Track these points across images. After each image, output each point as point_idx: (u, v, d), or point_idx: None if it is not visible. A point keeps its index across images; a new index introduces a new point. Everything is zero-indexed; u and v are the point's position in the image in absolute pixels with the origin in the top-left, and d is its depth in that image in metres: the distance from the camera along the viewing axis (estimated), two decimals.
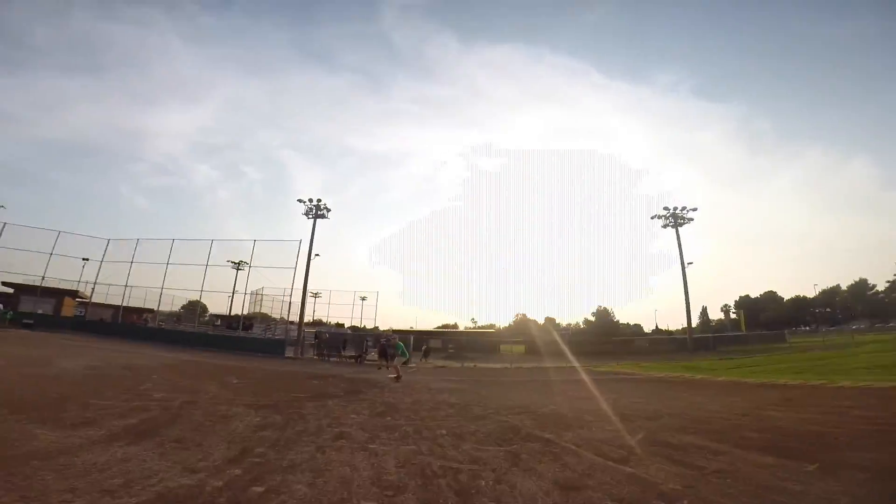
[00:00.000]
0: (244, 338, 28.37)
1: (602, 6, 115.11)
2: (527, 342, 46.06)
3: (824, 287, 73.03)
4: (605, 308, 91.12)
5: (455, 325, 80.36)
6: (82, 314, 32.45)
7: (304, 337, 26.23)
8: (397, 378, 11.57)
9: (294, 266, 27.09)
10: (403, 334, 30.01)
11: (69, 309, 31.82)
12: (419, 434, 5.39)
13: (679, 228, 41.36)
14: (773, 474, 3.36)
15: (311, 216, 41.69)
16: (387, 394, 9.44)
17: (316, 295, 52.67)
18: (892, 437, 4.25)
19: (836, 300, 72.12)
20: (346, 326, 50.25)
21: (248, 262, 29.45)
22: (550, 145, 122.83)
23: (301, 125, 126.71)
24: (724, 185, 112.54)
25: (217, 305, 48.68)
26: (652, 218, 43.13)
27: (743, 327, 60.16)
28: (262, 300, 44.24)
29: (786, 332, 55.80)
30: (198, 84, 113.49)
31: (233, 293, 35.69)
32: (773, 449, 4.08)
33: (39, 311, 28.75)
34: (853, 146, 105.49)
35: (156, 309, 31.66)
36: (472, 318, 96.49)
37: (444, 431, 5.56)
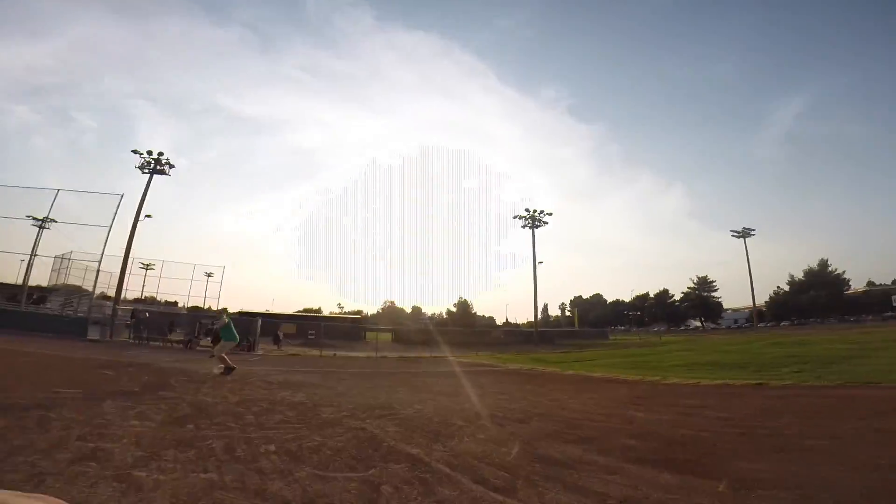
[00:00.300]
0: (33, 314, 21.51)
1: (518, 13, 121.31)
2: (394, 330, 45.46)
3: (638, 293, 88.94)
4: (465, 300, 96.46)
5: (318, 310, 76.03)
6: None
7: (116, 315, 20.90)
8: (226, 370, 9.20)
9: (109, 225, 21.40)
10: (250, 317, 26.36)
11: None
12: (231, 452, 3.75)
13: (535, 230, 45.22)
14: (689, 499, 2.74)
15: (146, 170, 33.96)
16: (206, 390, 7.29)
17: (148, 266, 43.80)
18: (764, 442, 4.18)
19: (646, 305, 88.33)
20: (181, 306, 42.81)
21: (45, 217, 22.14)
22: (433, 137, 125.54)
23: (163, 76, 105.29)
24: (572, 197, 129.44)
25: (9, 272, 36.79)
26: (514, 217, 46.31)
27: (576, 324, 69.65)
28: (70, 268, 34.64)
29: (608, 329, 66.51)
30: (41, 15, 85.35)
31: (31, 256, 27.04)
32: (665, 462, 3.60)
33: None
34: (674, 175, 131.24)
35: None
36: (339, 304, 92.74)
37: (272, 447, 4.01)
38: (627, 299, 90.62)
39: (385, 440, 4.58)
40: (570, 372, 13.50)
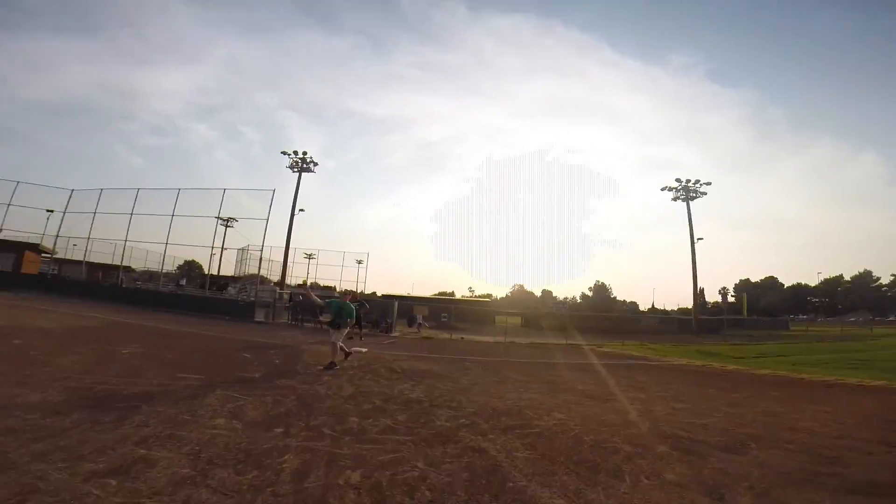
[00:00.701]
0: (216, 299, 25.88)
1: None
2: (524, 314, 43.85)
3: (827, 276, 70.34)
4: (602, 283, 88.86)
5: (451, 294, 78.53)
6: (49, 271, 29.93)
7: (276, 299, 23.68)
8: (345, 355, 8.67)
9: (266, 218, 24.19)
10: (388, 300, 27.53)
11: (33, 265, 29.11)
12: (300, 480, 2.75)
13: (689, 202, 38.16)
14: None
15: (296, 170, 38.45)
16: (326, 378, 6.80)
17: (310, 256, 50.17)
18: None
19: (839, 290, 69.58)
20: (336, 289, 47.85)
21: (217, 215, 26.27)
22: (556, 118, 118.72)
23: (300, 87, 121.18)
24: (726, 168, 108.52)
25: (204, 264, 46.20)
26: (662, 189, 39.83)
27: (745, 311, 57.89)
28: (248, 258, 41.65)
29: (787, 319, 53.62)
30: (196, 44, 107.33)
31: (219, 249, 32.94)
32: None
33: None
34: (863, 141, 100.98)
35: (122, 265, 28.97)
36: (470, 287, 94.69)
37: (356, 477, 2.90)
38: (812, 283, 72.21)
39: (511, 475, 3.13)
40: (766, 371, 10.17)
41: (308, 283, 50.38)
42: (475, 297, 75.63)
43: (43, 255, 30.32)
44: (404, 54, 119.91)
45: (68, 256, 30.66)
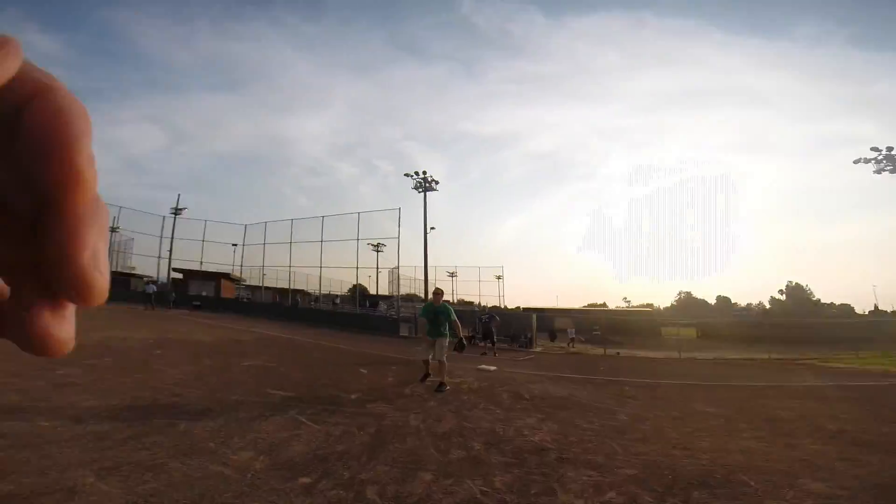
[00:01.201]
0: (369, 316, 27.57)
1: None
2: (698, 324, 36.34)
3: None
4: (797, 284, 70.46)
5: (602, 305, 71.42)
6: (244, 296, 36.41)
7: (416, 314, 23.86)
8: (423, 376, 6.84)
9: (396, 237, 24.91)
10: (528, 312, 25.32)
11: (229, 290, 35.78)
12: None
13: None
14: None
15: (420, 190, 39.71)
16: (428, 405, 5.26)
17: (452, 274, 51.30)
18: None
19: None
20: (476, 304, 47.57)
21: (356, 237, 28.14)
22: (685, 109, 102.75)
23: (413, 116, 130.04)
24: None
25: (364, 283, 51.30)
26: (855, 162, 28.70)
27: None
28: (397, 278, 44.54)
29: None
30: (320, 90, 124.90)
31: (369, 271, 35.69)
32: None
33: (203, 294, 32.71)
34: None
35: (291, 289, 33.34)
36: (625, 298, 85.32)
37: None
38: None
39: None
40: None
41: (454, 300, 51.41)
42: (632, 307, 67.22)
43: (235, 282, 36.98)
44: (495, 71, 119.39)
45: (257, 283, 36.65)
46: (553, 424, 4.52)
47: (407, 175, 36.19)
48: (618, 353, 16.91)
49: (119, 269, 33.64)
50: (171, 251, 33.48)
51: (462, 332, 7.16)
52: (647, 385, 8.14)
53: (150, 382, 5.19)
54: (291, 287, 33.79)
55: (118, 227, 34.45)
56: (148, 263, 35.06)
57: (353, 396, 5.60)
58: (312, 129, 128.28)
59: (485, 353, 13.21)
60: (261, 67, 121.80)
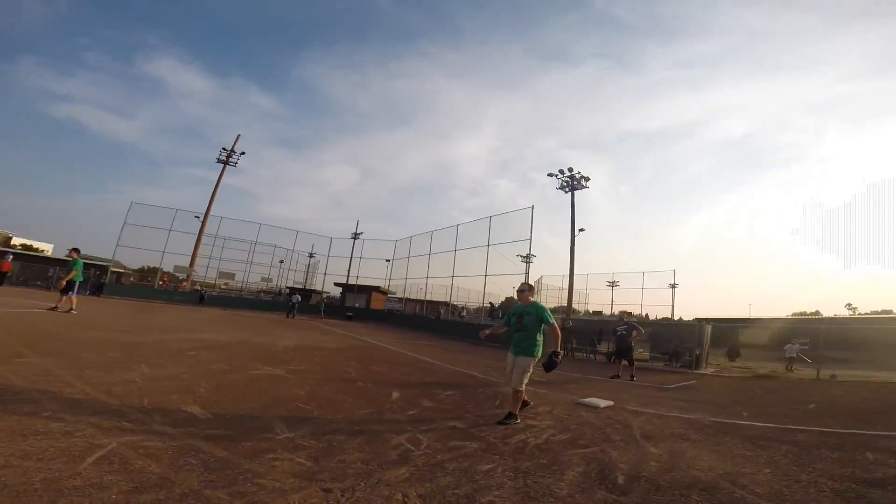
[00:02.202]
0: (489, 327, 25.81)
1: None
2: None
3: None
4: None
5: (815, 314, 55.13)
6: (390, 308, 38.55)
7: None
8: (516, 406, 4.79)
9: (529, 238, 22.40)
10: (699, 323, 19.82)
11: (379, 302, 38.29)
12: None
13: None
14: None
15: (567, 190, 35.79)
16: (477, 457, 3.12)
17: (613, 284, 45.93)
18: None
19: None
20: (639, 314, 41.20)
21: (487, 243, 26.45)
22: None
23: (568, 123, 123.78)
24: None
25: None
26: None
27: None
28: (542, 288, 41.74)
29: None
30: (473, 111, 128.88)
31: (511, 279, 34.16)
32: None
33: (357, 305, 35.55)
34: None
35: (425, 299, 33.67)
36: (848, 304, 65.09)
37: None
38: None
39: None
40: None
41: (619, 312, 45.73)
42: (863, 314, 50.11)
43: (386, 294, 39.28)
44: (654, 59, 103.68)
45: (418, 297, 38.26)
46: None
47: (551, 175, 33.51)
48: (832, 377, 11.39)
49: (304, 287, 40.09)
50: (348, 269, 37.98)
51: (559, 345, 4.88)
52: None
53: (175, 385, 4.32)
54: (426, 298, 34.13)
55: (315, 253, 41.11)
56: (318, 280, 40.94)
57: (378, 427, 3.82)
58: (471, 151, 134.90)
59: (616, 377, 10.00)
60: (422, 99, 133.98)
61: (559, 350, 4.89)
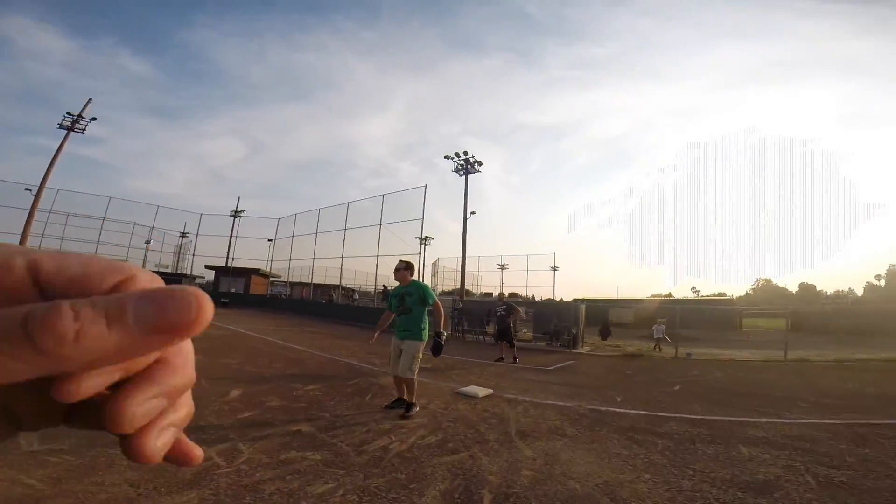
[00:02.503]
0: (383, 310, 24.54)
1: None
2: (791, 314, 29.87)
3: None
4: None
5: (668, 296, 64.17)
6: (274, 293, 34.81)
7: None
8: (412, 394, 4.40)
9: (421, 217, 21.48)
10: (574, 303, 20.97)
11: (260, 287, 34.26)
12: None
13: None
14: None
15: (461, 173, 35.78)
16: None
17: (503, 267, 47.13)
18: None
19: None
20: (524, 296, 43.11)
21: (380, 222, 24.97)
22: (770, 84, 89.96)
23: (470, 111, 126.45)
24: None
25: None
26: None
27: None
28: (438, 272, 41.30)
29: None
30: (380, 92, 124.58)
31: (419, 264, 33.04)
32: None
33: (233, 290, 31.36)
34: None
35: (312, 283, 31.15)
36: (693, 288, 77.04)
37: None
38: None
39: None
40: None
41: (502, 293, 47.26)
42: (702, 297, 59.63)
43: (268, 277, 35.43)
44: (555, 58, 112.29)
45: (305, 279, 34.68)
46: None
47: (447, 157, 32.67)
48: (688, 356, 12.46)
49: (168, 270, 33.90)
50: (228, 250, 33.44)
51: (444, 327, 4.70)
52: (786, 439, 4.15)
53: None
54: (314, 282, 31.44)
55: (188, 233, 34.91)
56: (187, 261, 35.18)
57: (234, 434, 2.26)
58: (375, 132, 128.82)
59: (500, 360, 9.50)
60: (325, 75, 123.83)
61: (442, 331, 4.57)
